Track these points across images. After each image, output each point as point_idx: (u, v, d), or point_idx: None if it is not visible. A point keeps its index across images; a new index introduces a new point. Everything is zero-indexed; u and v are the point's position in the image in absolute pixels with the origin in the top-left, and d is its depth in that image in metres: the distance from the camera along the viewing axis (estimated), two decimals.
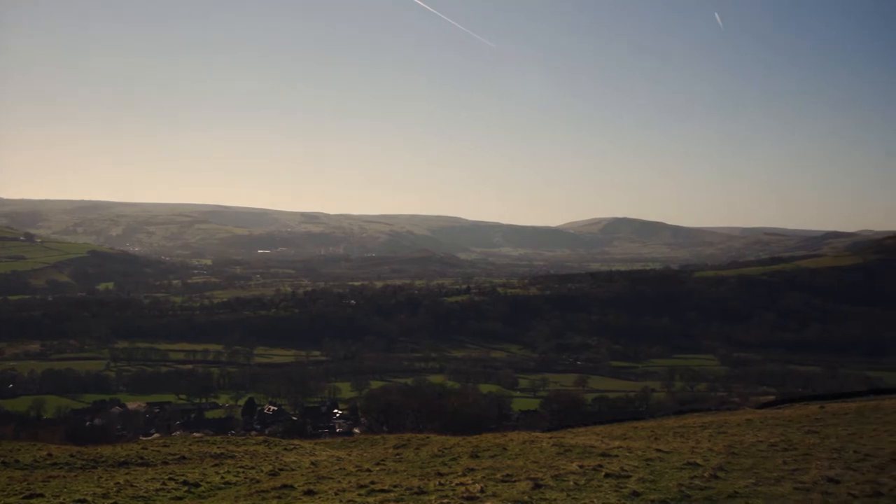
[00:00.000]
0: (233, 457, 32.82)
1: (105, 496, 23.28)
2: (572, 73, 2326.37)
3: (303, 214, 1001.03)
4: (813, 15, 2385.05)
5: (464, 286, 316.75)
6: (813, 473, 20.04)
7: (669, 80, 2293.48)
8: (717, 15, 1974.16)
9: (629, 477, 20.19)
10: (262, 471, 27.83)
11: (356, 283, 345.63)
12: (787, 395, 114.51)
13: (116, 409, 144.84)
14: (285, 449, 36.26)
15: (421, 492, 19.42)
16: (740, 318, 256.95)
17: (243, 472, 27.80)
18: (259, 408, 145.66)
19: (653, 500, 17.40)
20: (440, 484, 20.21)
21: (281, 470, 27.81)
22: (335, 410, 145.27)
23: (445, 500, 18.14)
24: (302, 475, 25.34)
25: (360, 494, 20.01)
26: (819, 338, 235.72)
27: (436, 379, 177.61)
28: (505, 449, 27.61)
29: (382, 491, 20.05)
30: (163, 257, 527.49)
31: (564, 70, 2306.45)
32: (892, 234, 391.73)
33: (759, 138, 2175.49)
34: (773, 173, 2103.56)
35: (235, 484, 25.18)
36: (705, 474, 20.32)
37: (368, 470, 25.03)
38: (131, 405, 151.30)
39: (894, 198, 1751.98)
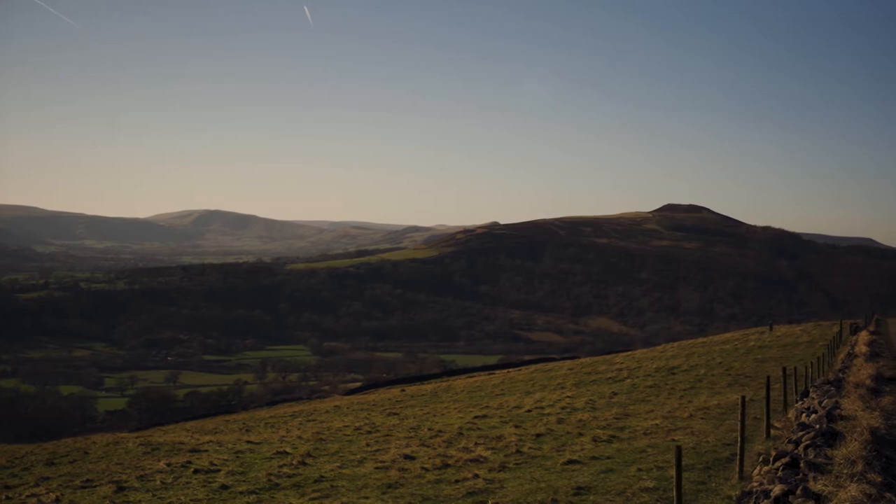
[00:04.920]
0: None
1: None
2: (150, 57, 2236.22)
3: None
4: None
5: (41, 281, 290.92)
6: (392, 452, 21.41)
7: (256, 74, 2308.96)
8: (305, 9, 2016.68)
9: (219, 471, 20.07)
10: None
11: None
12: (373, 380, 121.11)
13: None
14: None
15: None
16: (330, 309, 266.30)
17: None
18: None
19: (242, 492, 17.41)
20: (7, 497, 18.42)
21: None
22: None
23: None
24: None
25: None
26: (401, 325, 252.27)
27: (8, 383, 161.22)
28: (86, 453, 26.01)
29: None
30: None
31: (148, 56, 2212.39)
32: (463, 228, 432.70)
33: (344, 135, 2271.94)
34: (358, 168, 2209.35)
35: None
36: (294, 461, 20.83)
37: None
38: None
39: (464, 195, 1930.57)
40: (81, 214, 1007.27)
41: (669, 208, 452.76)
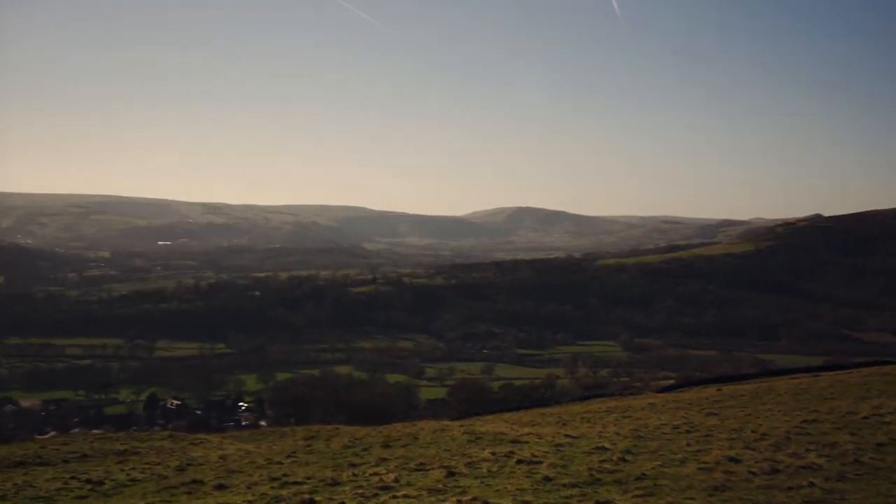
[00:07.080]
0: (137, 453, 31.97)
1: (3, 498, 22.42)
2: (463, 58, 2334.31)
3: (205, 205, 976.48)
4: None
5: (370, 277, 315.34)
6: (715, 454, 20.68)
7: (565, 70, 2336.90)
8: (614, 1, 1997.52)
9: (540, 462, 20.48)
10: (169, 466, 27.18)
11: (261, 275, 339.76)
12: (687, 378, 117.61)
13: (9, 407, 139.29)
14: (192, 444, 35.49)
15: (335, 483, 19.31)
16: (641, 305, 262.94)
17: (149, 468, 27.07)
18: (161, 403, 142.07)
19: (565, 485, 17.68)
20: (354, 474, 20.15)
21: (189, 465, 27.22)
22: (240, 403, 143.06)
23: (360, 491, 18.08)
24: (211, 469, 24.88)
25: (272, 487, 19.78)
26: (715, 322, 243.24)
27: (342, 370, 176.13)
28: (416, 438, 27.66)
29: (295, 483, 19.88)
30: (57, 250, 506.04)
31: (459, 55, 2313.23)
32: (783, 221, 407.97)
33: (654, 128, 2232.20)
34: (669, 162, 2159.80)
35: (142, 481, 24.52)
36: (614, 458, 20.76)
37: (280, 462, 24.76)
38: (25, 403, 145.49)
39: (784, 186, 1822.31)
40: (405, 214, 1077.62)
41: None
